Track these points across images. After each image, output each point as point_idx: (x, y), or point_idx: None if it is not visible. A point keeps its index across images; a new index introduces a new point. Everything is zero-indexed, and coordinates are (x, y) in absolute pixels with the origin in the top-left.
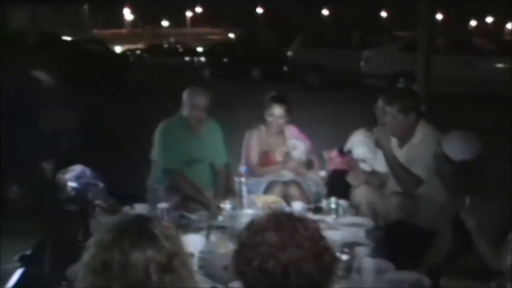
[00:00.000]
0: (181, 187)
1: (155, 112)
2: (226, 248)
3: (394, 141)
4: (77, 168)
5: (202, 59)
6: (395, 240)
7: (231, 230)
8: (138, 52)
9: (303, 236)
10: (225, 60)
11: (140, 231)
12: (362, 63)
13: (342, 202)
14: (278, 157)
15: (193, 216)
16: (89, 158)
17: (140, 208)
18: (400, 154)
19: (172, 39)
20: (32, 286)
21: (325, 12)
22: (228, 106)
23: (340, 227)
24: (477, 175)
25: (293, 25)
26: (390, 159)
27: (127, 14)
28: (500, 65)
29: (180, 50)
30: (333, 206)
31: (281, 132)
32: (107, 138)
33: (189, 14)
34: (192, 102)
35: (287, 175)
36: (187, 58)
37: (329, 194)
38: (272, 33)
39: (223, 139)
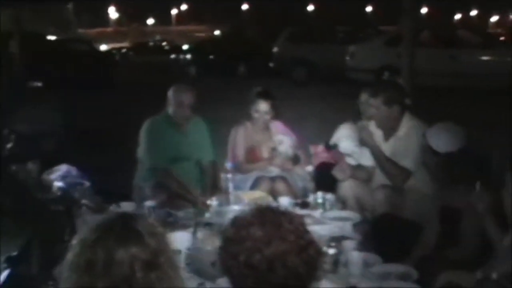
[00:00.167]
0: (167, 185)
1: (142, 111)
2: (213, 244)
3: (379, 134)
4: (63, 168)
5: (188, 56)
6: (382, 233)
7: (218, 227)
8: (124, 50)
9: (288, 230)
10: (211, 57)
11: (124, 229)
12: (347, 58)
13: (329, 196)
14: (265, 153)
15: (180, 214)
16: (75, 158)
17: (126, 207)
18: (386, 146)
19: (157, 37)
20: (19, 287)
21: (310, 7)
22: (215, 103)
23: (327, 221)
24: (463, 166)
25: (278, 21)
26: (377, 155)
27: (112, 13)
28: (485, 58)
29: (166, 47)
30: (320, 200)
31: (267, 128)
32: (93, 137)
33: (174, 11)
34: (177, 100)
35: (274, 170)
36: (173, 56)
37: (316, 189)
38: (258, 29)
39: (209, 136)
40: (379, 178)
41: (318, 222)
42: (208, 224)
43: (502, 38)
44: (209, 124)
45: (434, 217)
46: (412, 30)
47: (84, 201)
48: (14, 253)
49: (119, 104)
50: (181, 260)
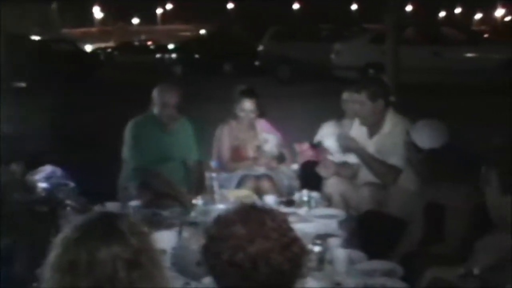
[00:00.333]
0: (152, 184)
1: (127, 111)
2: (199, 244)
3: (363, 131)
4: (47, 169)
5: (174, 55)
6: (368, 230)
7: (204, 226)
8: (108, 50)
9: (271, 228)
10: (197, 56)
11: (106, 228)
12: (332, 56)
13: (314, 194)
14: (250, 151)
15: (165, 213)
16: (60, 158)
17: (111, 207)
18: (371, 144)
19: (143, 36)
20: None
21: (295, 6)
22: (201, 101)
23: (312, 219)
24: (446, 162)
25: (264, 20)
26: (364, 157)
27: (97, 12)
28: (469, 55)
29: (151, 47)
30: (305, 198)
31: (252, 126)
32: (77, 137)
33: (159, 11)
34: (163, 100)
35: (259, 169)
36: (158, 55)
37: (302, 187)
38: (243, 28)
39: (195, 136)
40: (364, 175)
41: (304, 220)
42: (193, 224)
43: (486, 36)
44: (194, 123)
45: (418, 214)
46: (396, 28)
47: (68, 202)
48: None
49: (104, 104)
50: (166, 260)
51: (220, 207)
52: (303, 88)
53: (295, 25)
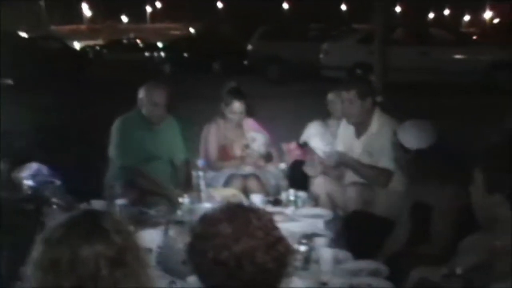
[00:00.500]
0: (139, 183)
1: (115, 108)
2: (185, 242)
3: (351, 131)
4: (33, 166)
5: (163, 54)
6: (354, 230)
7: (190, 225)
8: (97, 48)
9: (256, 227)
10: (186, 54)
11: (89, 226)
12: (321, 56)
13: (301, 193)
14: (237, 150)
15: (152, 211)
16: (46, 156)
17: (97, 205)
18: (358, 144)
19: (132, 35)
20: None
21: (285, 5)
22: (189, 100)
23: (299, 218)
24: (433, 163)
25: (253, 19)
26: (357, 167)
27: (86, 10)
28: (457, 56)
29: (140, 45)
30: (292, 198)
31: (239, 125)
32: (64, 135)
33: (149, 9)
34: (153, 101)
35: (246, 168)
36: (147, 54)
37: (290, 187)
38: (232, 27)
39: (182, 135)
40: (351, 175)
41: (290, 219)
42: (179, 222)
43: (474, 37)
44: (182, 122)
45: (405, 214)
46: (385, 28)
47: (54, 200)
48: None
49: (92, 102)
50: (152, 259)
51: (207, 206)
52: (291, 87)
53: (284, 24)
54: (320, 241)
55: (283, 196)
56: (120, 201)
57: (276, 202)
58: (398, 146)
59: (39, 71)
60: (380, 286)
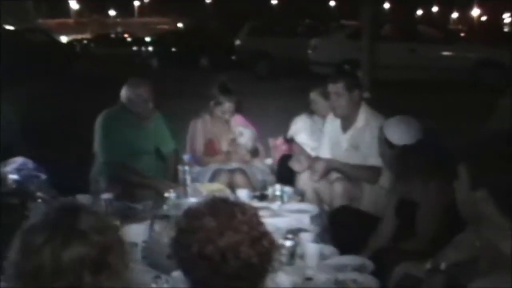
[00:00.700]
0: (125, 177)
1: (102, 103)
2: (170, 237)
3: (337, 126)
4: (19, 160)
5: (150, 48)
6: (340, 225)
7: (176, 219)
8: (85, 42)
9: (241, 221)
10: (174, 49)
11: (67, 229)
12: (309, 51)
13: (287, 189)
14: (224, 145)
15: (138, 206)
16: (32, 150)
17: (83, 200)
18: (344, 138)
19: (119, 29)
20: None
21: (273, 1)
22: (177, 95)
23: (285, 213)
24: (419, 159)
25: (241, 14)
26: (347, 170)
27: (73, 3)
28: (445, 53)
29: (128, 39)
30: (278, 193)
31: (226, 121)
32: (50, 129)
33: (136, 3)
34: (141, 97)
35: (233, 163)
36: (135, 48)
37: (278, 181)
38: (220, 22)
39: (168, 127)
40: None
41: (276, 214)
42: (165, 217)
43: (462, 35)
44: (169, 117)
45: (390, 210)
46: (373, 25)
47: (39, 194)
48: None
49: (79, 97)
50: (137, 253)
51: (193, 200)
52: (279, 83)
53: (273, 20)
54: (305, 237)
55: (269, 191)
56: (105, 196)
57: (262, 197)
58: (383, 142)
59: (25, 64)
60: (365, 281)
